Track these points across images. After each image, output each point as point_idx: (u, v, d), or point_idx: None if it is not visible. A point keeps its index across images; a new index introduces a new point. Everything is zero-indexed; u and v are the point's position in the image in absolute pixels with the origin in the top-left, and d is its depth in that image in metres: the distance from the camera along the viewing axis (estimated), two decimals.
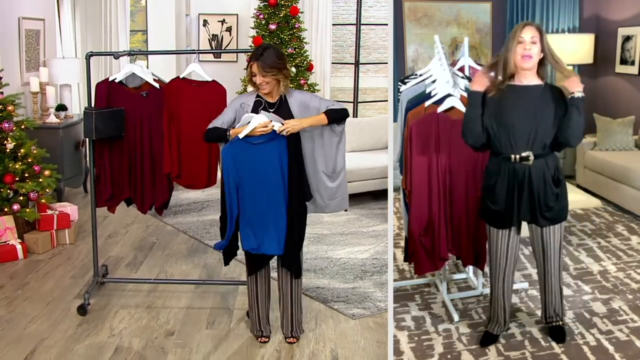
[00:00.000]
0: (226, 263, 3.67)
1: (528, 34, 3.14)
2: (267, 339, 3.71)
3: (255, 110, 3.47)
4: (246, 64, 7.88)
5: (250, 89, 3.61)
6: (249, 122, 3.39)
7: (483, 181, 3.41)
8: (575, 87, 3.17)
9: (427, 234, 3.57)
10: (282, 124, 3.39)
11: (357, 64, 9.02)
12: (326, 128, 3.50)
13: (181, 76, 4.11)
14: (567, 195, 3.34)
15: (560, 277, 3.45)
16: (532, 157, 3.21)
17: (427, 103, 3.56)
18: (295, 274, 3.60)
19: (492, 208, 3.33)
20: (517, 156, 3.22)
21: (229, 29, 9.08)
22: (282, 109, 3.48)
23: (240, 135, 3.38)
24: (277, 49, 3.46)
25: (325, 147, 3.54)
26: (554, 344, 3.47)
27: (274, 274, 3.84)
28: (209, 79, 4.11)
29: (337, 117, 3.46)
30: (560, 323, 3.53)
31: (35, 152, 5.32)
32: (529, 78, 3.22)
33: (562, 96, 3.21)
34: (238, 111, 3.49)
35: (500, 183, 3.28)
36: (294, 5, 7.52)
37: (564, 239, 4.97)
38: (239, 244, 3.58)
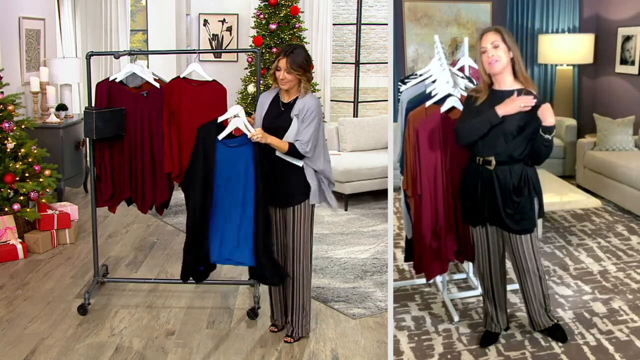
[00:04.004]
0: (200, 280, 3.76)
1: (487, 41, 3.17)
2: (276, 329, 3.79)
3: (271, 106, 3.59)
4: (247, 63, 7.91)
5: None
6: (234, 116, 3.54)
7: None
8: (547, 118, 3.12)
9: (435, 236, 3.57)
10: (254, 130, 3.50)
11: (357, 63, 9.03)
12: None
13: (181, 76, 4.11)
14: (533, 208, 3.30)
15: (541, 287, 3.41)
16: (494, 162, 3.24)
17: (428, 103, 3.56)
18: (276, 281, 3.64)
19: (463, 204, 3.42)
20: (481, 159, 3.27)
21: (229, 29, 9.08)
22: (288, 111, 3.54)
23: (220, 137, 3.53)
24: (307, 51, 3.55)
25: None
26: (554, 343, 3.47)
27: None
28: (210, 79, 4.11)
29: (293, 153, 3.49)
30: (551, 324, 3.52)
31: (35, 151, 5.32)
32: (505, 82, 3.24)
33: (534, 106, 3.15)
34: (263, 105, 3.63)
35: (469, 181, 3.35)
36: (295, 5, 7.52)
37: (565, 239, 5.00)
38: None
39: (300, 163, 3.54)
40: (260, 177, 3.53)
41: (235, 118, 3.56)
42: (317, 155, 3.56)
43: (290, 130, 3.49)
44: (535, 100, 3.15)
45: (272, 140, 3.48)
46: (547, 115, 3.11)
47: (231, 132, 3.57)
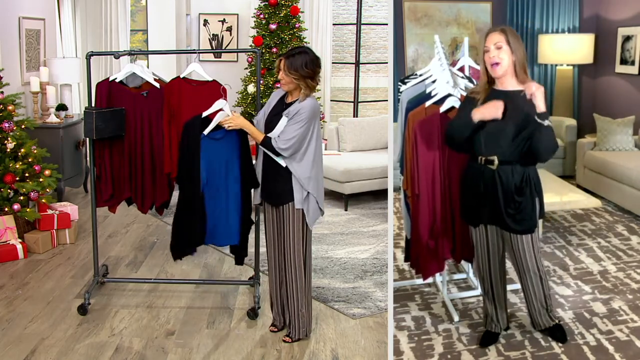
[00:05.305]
0: (180, 257, 3.95)
1: (491, 41, 3.16)
2: (276, 329, 3.78)
3: (276, 104, 3.59)
4: (247, 63, 7.91)
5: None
6: (218, 110, 3.67)
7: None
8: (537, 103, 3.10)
9: (433, 236, 3.57)
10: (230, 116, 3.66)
11: (357, 63, 9.03)
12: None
13: (181, 76, 4.12)
14: (535, 208, 3.29)
15: (542, 287, 3.42)
16: (496, 162, 3.23)
17: (428, 103, 3.56)
18: (237, 260, 4.01)
19: (463, 204, 3.42)
20: (484, 158, 3.26)
21: (229, 29, 9.08)
22: (285, 111, 3.52)
23: (205, 132, 3.65)
24: (313, 58, 3.46)
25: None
26: (554, 343, 3.47)
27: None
28: (210, 79, 4.11)
29: (267, 146, 3.50)
30: (552, 324, 3.52)
31: (35, 151, 5.32)
32: (507, 83, 3.22)
33: (533, 106, 3.13)
34: (271, 102, 3.65)
35: (470, 181, 3.34)
36: (295, 5, 7.52)
37: (565, 239, 5.00)
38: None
39: (283, 163, 3.51)
40: (245, 162, 3.72)
41: (220, 111, 3.67)
42: (298, 159, 3.49)
43: (276, 128, 3.49)
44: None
45: (249, 128, 3.59)
46: (537, 100, 3.08)
47: (218, 125, 3.67)
